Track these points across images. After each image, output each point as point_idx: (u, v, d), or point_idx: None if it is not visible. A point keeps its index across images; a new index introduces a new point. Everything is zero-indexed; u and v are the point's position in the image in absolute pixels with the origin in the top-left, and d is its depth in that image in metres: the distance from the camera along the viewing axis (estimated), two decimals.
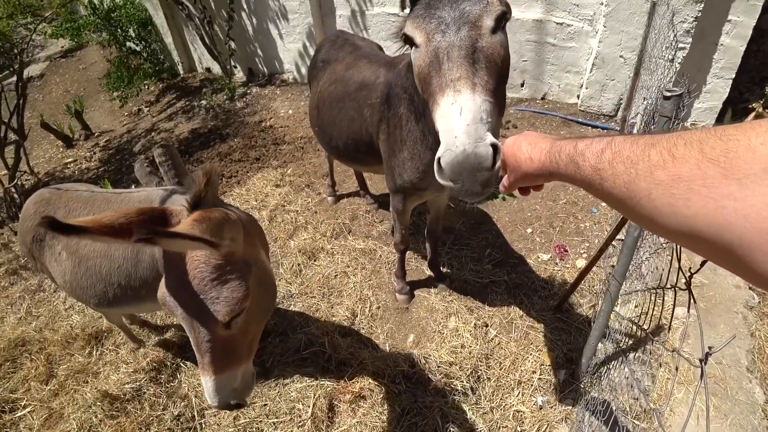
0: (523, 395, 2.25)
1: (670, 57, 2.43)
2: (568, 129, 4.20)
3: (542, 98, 4.65)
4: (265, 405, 2.32)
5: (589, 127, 4.16)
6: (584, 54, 4.12)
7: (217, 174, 1.38)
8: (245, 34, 5.94)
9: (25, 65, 7.24)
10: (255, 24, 5.78)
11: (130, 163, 5.03)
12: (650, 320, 2.29)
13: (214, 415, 2.32)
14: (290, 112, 5.28)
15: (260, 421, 2.25)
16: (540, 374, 2.32)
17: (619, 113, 4.09)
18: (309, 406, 2.25)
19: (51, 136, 6.10)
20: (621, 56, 3.87)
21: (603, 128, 4.09)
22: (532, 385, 2.28)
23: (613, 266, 2.71)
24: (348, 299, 2.82)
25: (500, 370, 2.35)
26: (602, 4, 3.75)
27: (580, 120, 4.21)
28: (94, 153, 5.73)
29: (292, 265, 3.10)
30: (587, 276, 2.47)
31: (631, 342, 2.35)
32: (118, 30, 7.10)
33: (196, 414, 2.33)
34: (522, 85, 4.63)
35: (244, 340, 1.31)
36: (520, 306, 2.66)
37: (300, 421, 2.21)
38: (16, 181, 4.50)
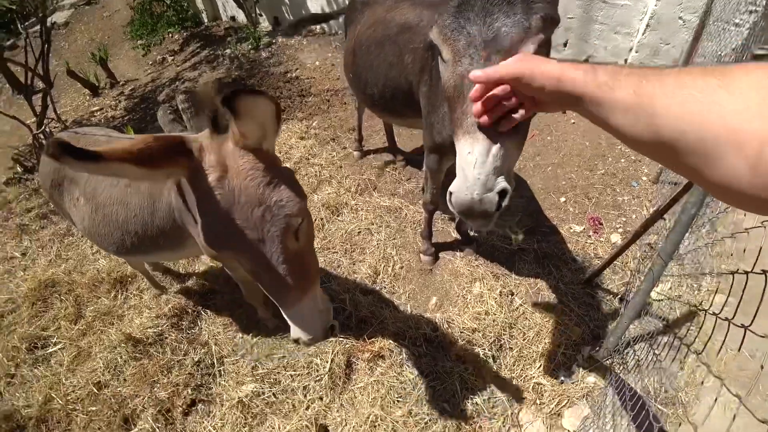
0: (545, 368, 2.16)
1: (738, 21, 2.12)
2: None
3: (585, 60, 4.28)
4: (284, 357, 2.32)
5: None
6: (638, 13, 3.68)
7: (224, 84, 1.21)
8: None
9: (50, 12, 7.17)
10: None
11: (155, 112, 4.98)
12: (685, 305, 2.14)
13: (233, 364, 2.34)
14: (317, 63, 5.07)
15: (278, 373, 2.25)
16: (564, 348, 2.22)
17: None
18: (327, 362, 2.23)
19: (77, 84, 6.09)
20: (680, 18, 3.44)
21: None
22: (555, 358, 2.19)
23: (649, 245, 2.54)
24: (371, 257, 2.75)
25: (523, 340, 2.26)
26: None
27: None
28: (119, 101, 5.71)
29: (315, 220, 3.04)
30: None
31: (663, 324, 2.20)
32: None
33: (215, 361, 2.35)
34: (565, 44, 4.25)
35: (312, 256, 1.21)
36: (548, 277, 2.53)
37: (317, 376, 2.20)
38: (44, 128, 4.53)
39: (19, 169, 4.52)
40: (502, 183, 0.96)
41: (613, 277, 2.50)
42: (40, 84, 4.67)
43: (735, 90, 0.41)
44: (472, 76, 0.80)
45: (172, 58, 6.45)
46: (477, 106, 0.84)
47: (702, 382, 1.83)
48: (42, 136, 4.44)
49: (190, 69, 5.85)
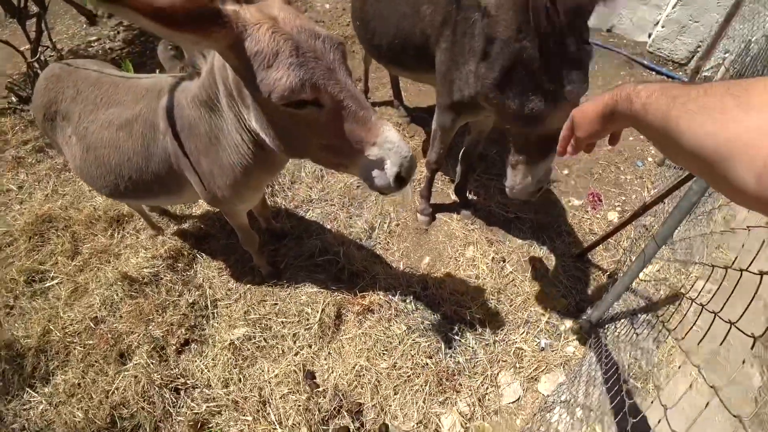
0: (527, 334, 2.23)
1: None
2: (630, 71, 3.68)
3: (608, 30, 4.03)
4: (276, 304, 2.38)
5: (654, 73, 3.63)
6: None
7: None
8: None
9: None
10: None
11: (154, 47, 4.77)
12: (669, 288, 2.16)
13: (226, 307, 2.40)
14: (327, 6, 4.78)
15: (269, 319, 2.32)
16: (548, 318, 2.28)
17: (692, 62, 3.52)
18: (317, 312, 2.29)
19: (73, 10, 5.78)
20: None
21: (669, 76, 3.58)
22: (538, 326, 2.25)
23: (645, 226, 2.52)
24: (368, 212, 2.74)
25: (510, 306, 2.31)
26: None
27: (646, 62, 3.68)
28: (118, 32, 5.45)
29: (315, 170, 3.01)
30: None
31: (645, 304, 2.23)
32: None
33: (209, 304, 2.42)
34: None
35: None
36: (541, 247, 2.54)
37: (307, 324, 2.26)
38: (38, 55, 4.35)
39: (13, 98, 4.38)
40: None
41: (604, 254, 2.51)
42: (34, 8, 4.43)
43: (750, 109, 0.46)
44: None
45: None
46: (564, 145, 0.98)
47: (679, 367, 1.88)
48: (36, 65, 4.28)
49: None
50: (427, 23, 1.86)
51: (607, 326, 2.11)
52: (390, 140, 1.10)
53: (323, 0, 4.87)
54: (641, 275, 2.28)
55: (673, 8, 3.46)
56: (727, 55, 2.97)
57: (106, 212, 2.91)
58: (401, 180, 1.15)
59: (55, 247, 2.78)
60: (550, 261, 2.47)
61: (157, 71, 4.12)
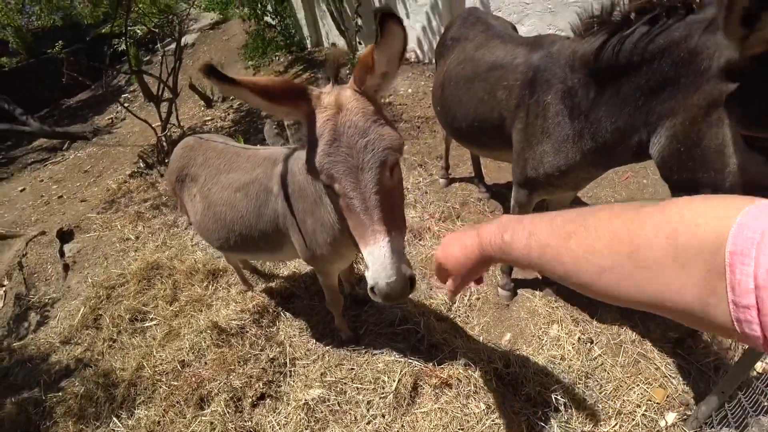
0: (620, 427, 1.96)
1: None
2: None
3: None
4: (352, 369, 2.36)
5: None
6: None
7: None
8: (373, 12, 6.04)
9: (183, 34, 8.34)
10: (383, 1, 5.84)
11: (258, 125, 5.50)
12: None
13: (304, 367, 2.43)
14: (410, 90, 5.27)
15: (345, 383, 2.29)
16: (645, 410, 2.00)
17: None
18: (394, 381, 2.23)
19: (195, 96, 6.95)
20: None
21: None
22: (633, 419, 1.98)
23: None
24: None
25: (600, 393, 2.08)
26: None
27: None
28: (228, 114, 6.39)
29: None
30: None
31: None
32: (258, 4, 7.78)
33: (288, 361, 2.46)
34: None
35: (400, 200, 1.26)
36: (632, 329, 2.32)
37: (383, 393, 2.20)
38: (166, 131, 5.21)
39: (142, 164, 5.21)
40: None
41: (709, 340, 2.23)
42: (166, 94, 5.41)
43: (685, 263, 0.45)
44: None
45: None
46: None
47: None
48: (164, 139, 5.11)
49: None
50: (504, 106, 1.97)
51: (720, 427, 1.80)
52: (374, 256, 1.13)
53: (407, 85, 5.39)
54: (759, 367, 1.98)
55: None
56: None
57: (205, 265, 3.21)
58: (381, 295, 1.16)
59: (158, 292, 3.08)
60: (645, 345, 2.24)
61: (259, 145, 4.72)
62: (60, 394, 2.62)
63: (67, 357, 2.89)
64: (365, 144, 1.12)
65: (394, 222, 1.16)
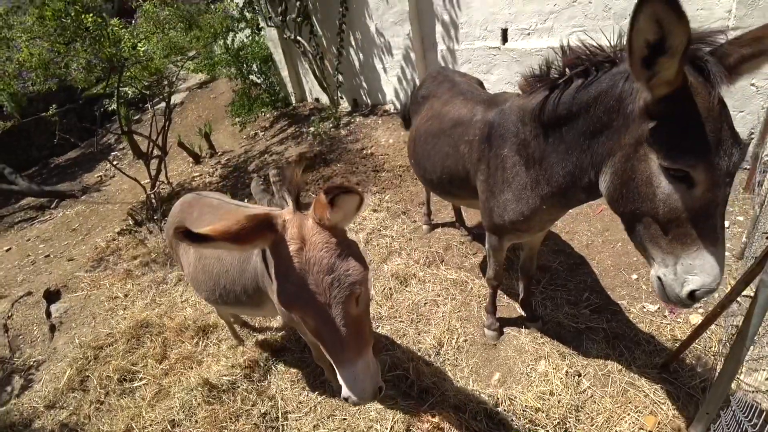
0: None
1: None
2: None
3: None
4: (345, 419, 2.36)
5: None
6: None
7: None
8: (352, 68, 6.46)
9: (171, 95, 8.68)
10: (361, 59, 6.27)
11: (245, 180, 5.66)
12: None
13: (296, 420, 2.42)
14: (390, 141, 5.54)
15: None
16: None
17: (750, 149, 3.60)
18: (387, 429, 2.24)
19: (184, 153, 7.14)
20: (752, 84, 3.43)
21: None
22: None
23: (736, 326, 2.33)
24: (435, 328, 2.80)
25: (591, 425, 2.13)
26: (727, 23, 3.38)
27: None
28: (216, 169, 6.56)
29: (384, 289, 3.18)
30: (704, 335, 2.17)
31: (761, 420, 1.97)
32: (244, 65, 8.22)
33: (280, 415, 2.45)
34: None
35: (367, 320, 1.33)
36: (619, 359, 2.40)
37: None
38: (156, 189, 5.33)
39: (131, 221, 5.27)
40: None
41: (694, 363, 2.31)
42: (155, 152, 5.58)
43: None
44: None
45: (263, 133, 7.39)
46: None
47: None
48: (153, 196, 5.21)
49: (278, 144, 6.65)
50: (467, 160, 2.14)
51: None
52: (345, 378, 1.25)
53: (387, 135, 5.67)
54: (749, 383, 2.06)
55: None
56: None
57: (195, 321, 3.22)
58: (352, 403, 1.29)
59: (148, 351, 3.06)
60: (632, 373, 2.31)
61: (246, 201, 4.84)
62: None
63: (52, 422, 2.81)
64: (331, 281, 1.18)
65: (361, 341, 1.26)
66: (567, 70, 1.49)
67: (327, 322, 1.21)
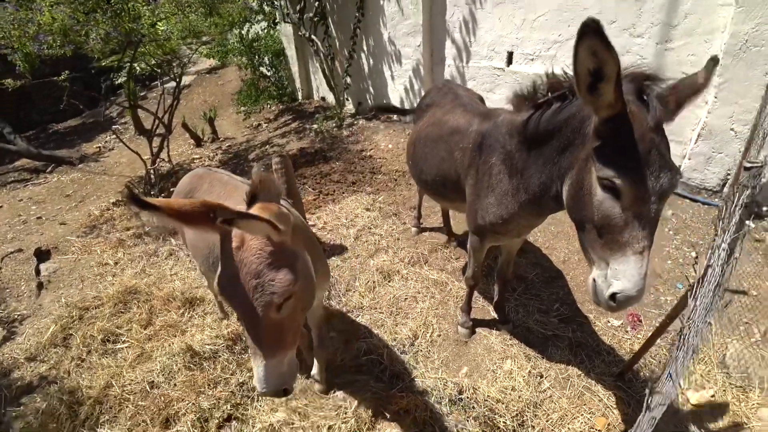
0: None
1: None
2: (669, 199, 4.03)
3: None
4: (315, 395, 2.49)
5: (688, 200, 3.95)
6: (690, 123, 3.92)
7: (272, 180, 1.49)
8: (361, 72, 6.67)
9: (182, 75, 8.80)
10: (371, 64, 6.48)
11: (244, 167, 5.79)
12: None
13: None
14: (390, 146, 5.72)
15: (308, 409, 2.42)
16: None
17: (726, 189, 3.84)
18: (354, 406, 2.37)
19: (186, 134, 7.24)
20: (732, 129, 3.66)
21: (705, 203, 3.86)
22: None
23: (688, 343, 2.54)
24: (413, 322, 2.95)
25: (546, 421, 2.29)
26: (715, 75, 3.64)
27: (680, 192, 4.01)
28: (217, 154, 6.68)
29: (368, 281, 3.34)
30: (655, 350, 2.34)
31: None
32: (256, 57, 8.38)
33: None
34: None
35: (291, 326, 1.40)
36: (579, 365, 2.58)
37: (344, 417, 2.34)
38: (156, 165, 5.43)
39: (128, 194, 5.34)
40: None
41: (648, 375, 2.50)
42: (159, 129, 5.68)
43: None
44: None
45: (267, 125, 7.53)
46: None
47: None
48: (152, 172, 5.31)
49: (280, 136, 6.80)
50: (459, 165, 2.34)
51: None
52: (255, 372, 1.35)
53: (387, 140, 5.86)
54: (693, 401, 2.25)
55: (695, 143, 3.83)
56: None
57: (183, 293, 3.33)
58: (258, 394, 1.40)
59: (134, 316, 3.16)
60: (590, 379, 2.48)
61: None
62: (20, 409, 2.62)
63: (31, 374, 2.88)
64: (255, 285, 1.26)
65: (279, 344, 1.35)
66: (549, 93, 1.69)
67: (249, 319, 1.31)
